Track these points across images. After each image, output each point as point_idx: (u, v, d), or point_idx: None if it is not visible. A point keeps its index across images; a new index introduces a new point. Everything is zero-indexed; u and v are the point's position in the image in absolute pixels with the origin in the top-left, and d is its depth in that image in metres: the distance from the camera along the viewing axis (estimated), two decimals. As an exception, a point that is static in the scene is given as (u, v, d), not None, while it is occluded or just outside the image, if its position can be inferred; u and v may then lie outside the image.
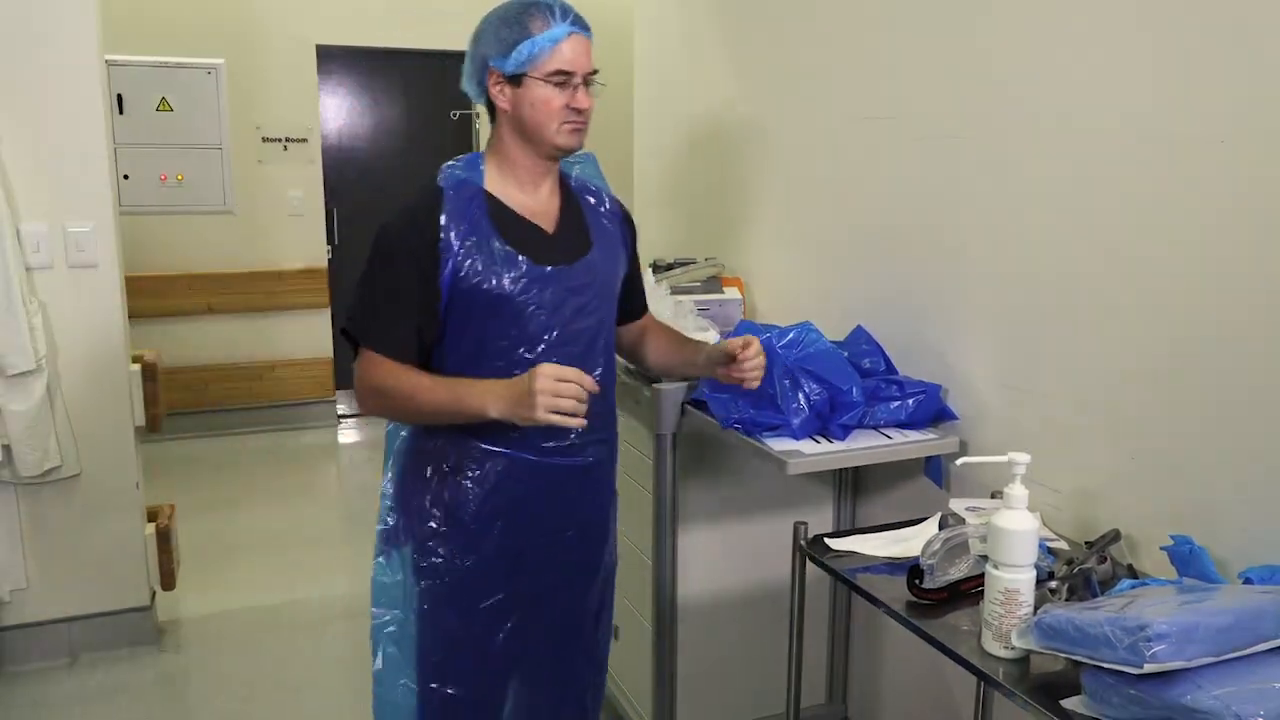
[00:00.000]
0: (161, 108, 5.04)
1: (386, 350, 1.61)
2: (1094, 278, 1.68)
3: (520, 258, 1.60)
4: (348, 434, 5.55)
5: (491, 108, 1.65)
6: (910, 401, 1.99)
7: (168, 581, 3.13)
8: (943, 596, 1.48)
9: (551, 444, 1.66)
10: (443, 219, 1.59)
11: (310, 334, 5.48)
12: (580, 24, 1.61)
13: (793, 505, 2.27)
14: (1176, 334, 1.54)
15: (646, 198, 3.58)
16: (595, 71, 1.64)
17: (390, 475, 1.74)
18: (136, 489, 3.02)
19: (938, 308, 2.06)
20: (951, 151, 1.98)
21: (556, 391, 1.45)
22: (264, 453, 5.14)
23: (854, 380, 1.96)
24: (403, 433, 1.73)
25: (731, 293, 2.68)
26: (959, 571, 1.49)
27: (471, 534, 1.65)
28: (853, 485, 2.32)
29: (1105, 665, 1.12)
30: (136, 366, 3.02)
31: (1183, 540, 1.43)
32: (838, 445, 1.91)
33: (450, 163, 1.69)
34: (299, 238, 5.40)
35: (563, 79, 1.59)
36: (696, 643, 2.29)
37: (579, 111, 1.62)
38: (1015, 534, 1.31)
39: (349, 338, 1.65)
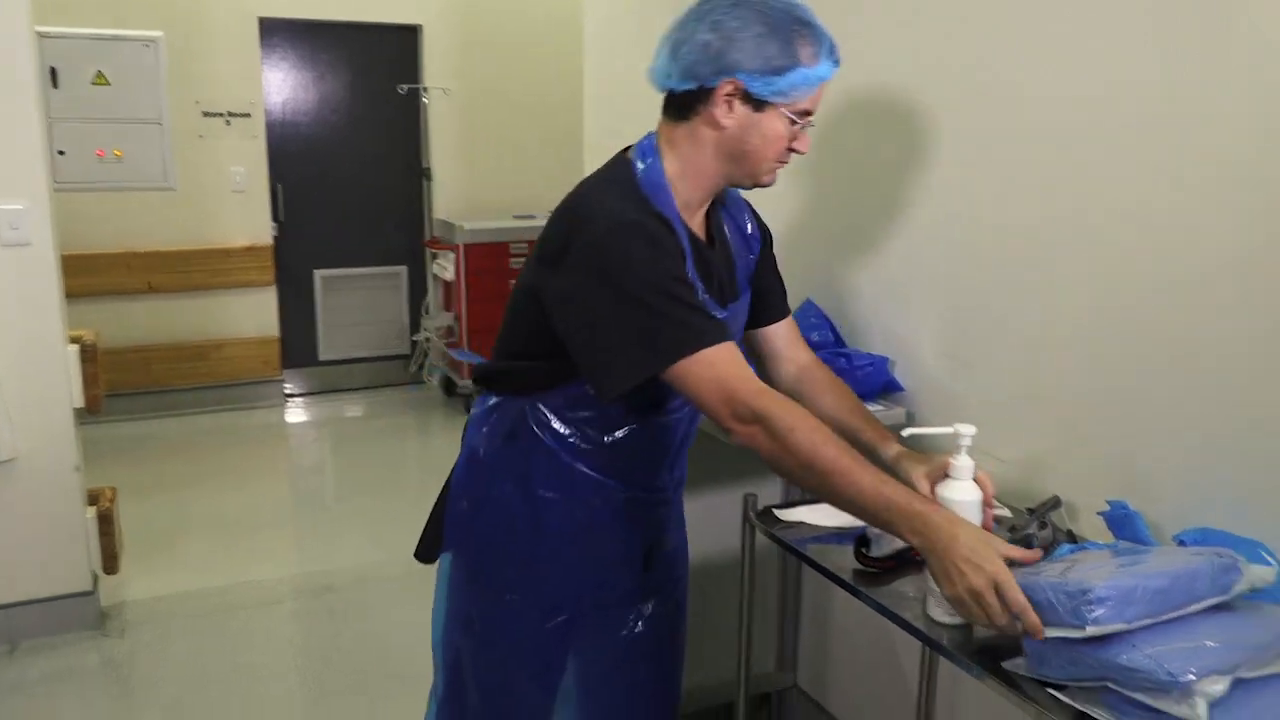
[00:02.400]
0: (98, 81, 4.88)
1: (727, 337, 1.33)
2: (1032, 249, 1.71)
3: (715, 306, 1.43)
4: (295, 413, 5.48)
5: (687, 105, 1.39)
6: (858, 374, 2.01)
7: (110, 565, 3.07)
8: (890, 565, 1.50)
9: (652, 484, 1.57)
10: (686, 261, 1.37)
11: (256, 312, 5.38)
12: (839, 61, 1.39)
13: (742, 477, 2.27)
14: (1111, 303, 1.57)
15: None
16: None
17: (467, 472, 1.57)
18: (76, 472, 2.96)
19: (885, 281, 2.08)
20: (898, 127, 1.99)
21: (986, 607, 1.17)
22: (210, 433, 5.06)
23: (802, 353, 1.97)
24: (484, 429, 1.55)
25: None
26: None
27: (548, 553, 1.54)
28: (802, 458, 2.34)
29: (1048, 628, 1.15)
30: (74, 347, 2.94)
31: (1118, 505, 1.47)
32: (787, 418, 1.92)
33: (641, 166, 1.42)
34: (243, 215, 5.29)
35: (802, 118, 1.39)
36: (649, 616, 2.30)
37: (792, 153, 1.43)
38: (960, 504, 1.34)
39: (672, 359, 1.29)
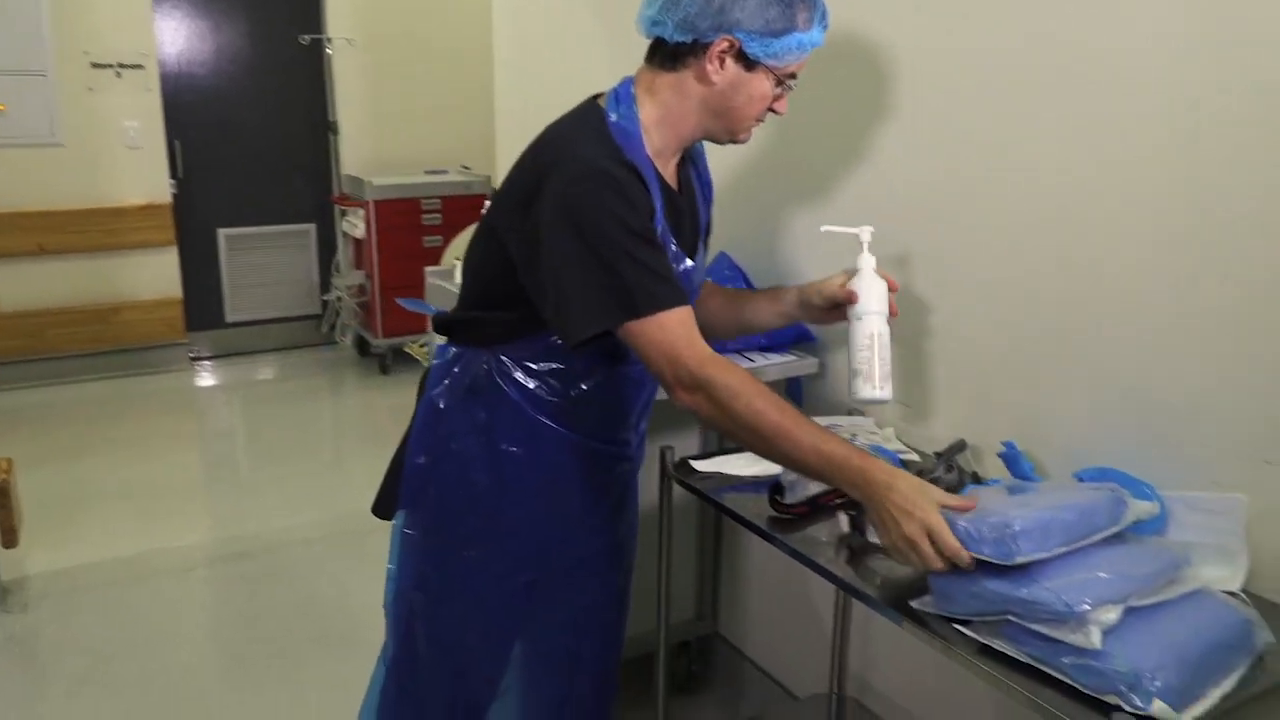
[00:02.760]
0: (-27, 30, 4.61)
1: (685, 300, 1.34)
2: (939, 202, 1.75)
3: (685, 257, 1.44)
4: (203, 377, 5.32)
5: (677, 56, 1.38)
6: (771, 325, 2.03)
7: (9, 539, 2.95)
8: (803, 511, 1.54)
9: (616, 438, 1.57)
10: (656, 212, 1.37)
11: (156, 273, 5.17)
12: (827, 27, 1.40)
13: (660, 431, 2.29)
14: (1003, 251, 1.62)
15: (510, 140, 3.50)
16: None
17: (426, 426, 1.54)
18: (-32, 443, 2.83)
19: (795, 233, 2.11)
20: (811, 73, 2.00)
21: (921, 553, 1.20)
22: (112, 400, 4.88)
23: (717, 305, 1.99)
24: (445, 381, 1.52)
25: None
26: (817, 486, 1.54)
27: (512, 507, 1.53)
28: (719, 409, 2.37)
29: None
30: (-41, 312, 2.80)
31: (1009, 445, 1.55)
32: (702, 370, 1.93)
33: (613, 118, 1.40)
34: (138, 172, 5.06)
35: (788, 81, 1.41)
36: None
37: (772, 114, 1.45)
38: (871, 285, 1.51)
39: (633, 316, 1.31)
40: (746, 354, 2.02)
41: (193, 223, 5.34)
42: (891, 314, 1.53)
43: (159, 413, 4.81)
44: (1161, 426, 1.43)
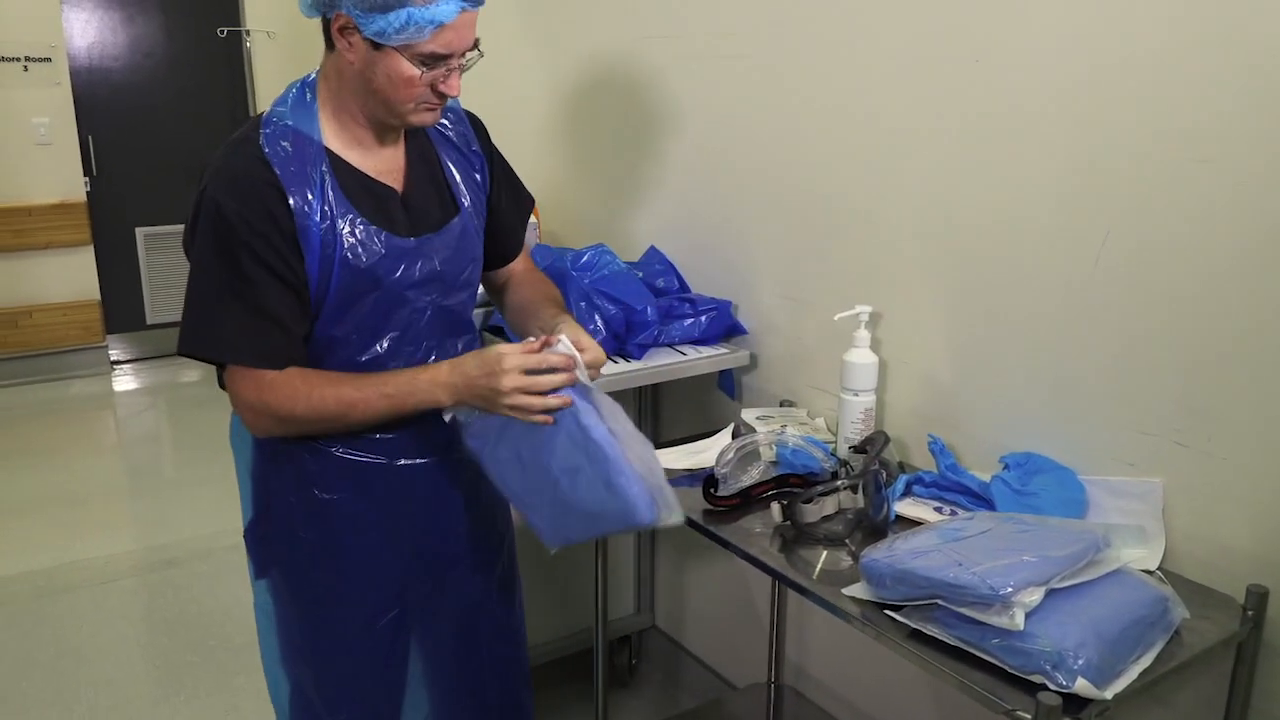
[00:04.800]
0: None
1: (268, 362, 1.34)
2: (853, 194, 1.77)
3: (378, 233, 1.35)
4: (124, 381, 5.16)
5: (327, 33, 1.32)
6: (703, 318, 2.04)
7: (-81, 554, 2.84)
8: (736, 502, 1.55)
9: (422, 447, 1.48)
10: (290, 197, 1.30)
11: (72, 275, 5.00)
12: (476, 1, 1.29)
13: (595, 426, 2.30)
14: (936, 246, 1.65)
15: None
16: (476, 42, 1.33)
17: (246, 492, 1.52)
18: None
19: (725, 227, 2.11)
20: (734, 72, 2.01)
21: (527, 389, 1.27)
22: (28, 407, 4.71)
23: (648, 300, 1.99)
24: (247, 450, 1.50)
25: (526, 217, 2.64)
26: (750, 478, 1.56)
27: (348, 555, 1.48)
28: (652, 402, 2.38)
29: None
30: None
31: (934, 439, 1.60)
32: (635, 365, 1.94)
33: (277, 106, 1.37)
34: (50, 169, 4.88)
35: (436, 62, 1.29)
36: (506, 568, 2.29)
37: (444, 96, 1.34)
38: (864, 366, 1.67)
39: (208, 359, 1.38)
40: (678, 347, 2.02)
41: (109, 221, 5.18)
42: None
43: (78, 419, 4.66)
44: (1079, 411, 1.46)
